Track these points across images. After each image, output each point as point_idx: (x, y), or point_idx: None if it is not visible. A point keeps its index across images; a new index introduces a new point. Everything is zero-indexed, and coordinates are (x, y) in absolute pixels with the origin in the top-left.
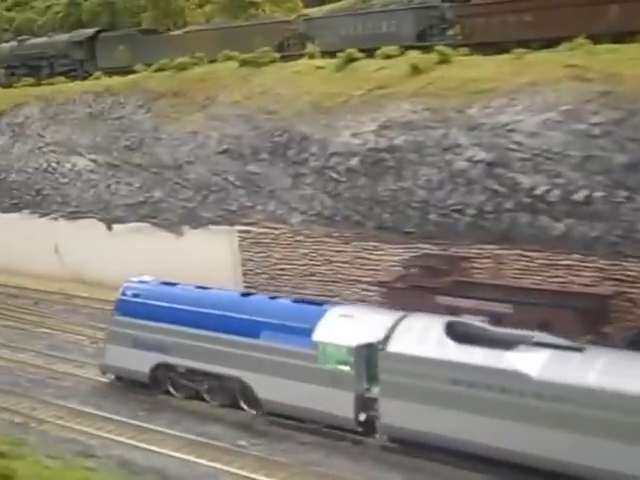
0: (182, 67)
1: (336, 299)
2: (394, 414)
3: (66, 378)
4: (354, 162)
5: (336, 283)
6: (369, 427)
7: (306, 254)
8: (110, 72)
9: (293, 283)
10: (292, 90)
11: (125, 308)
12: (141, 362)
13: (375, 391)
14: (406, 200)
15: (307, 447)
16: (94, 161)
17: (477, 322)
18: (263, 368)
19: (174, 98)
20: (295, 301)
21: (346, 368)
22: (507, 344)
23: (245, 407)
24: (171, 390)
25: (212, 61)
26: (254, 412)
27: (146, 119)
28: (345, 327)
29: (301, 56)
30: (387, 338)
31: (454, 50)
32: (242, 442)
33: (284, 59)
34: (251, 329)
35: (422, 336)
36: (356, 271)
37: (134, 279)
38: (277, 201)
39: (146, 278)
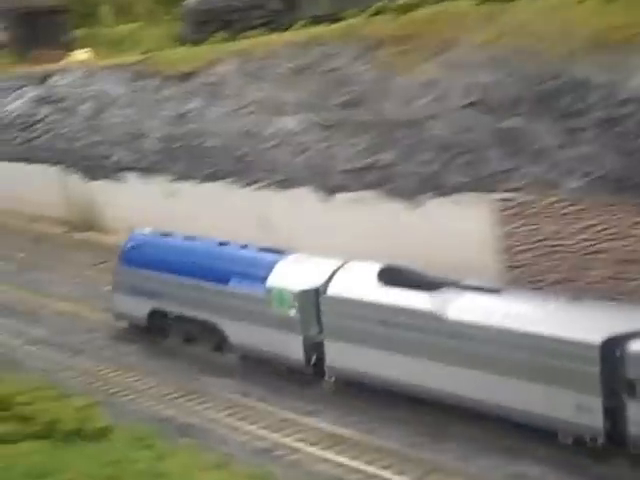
0: (406, 9)
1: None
2: (336, 356)
3: None
4: None
5: (631, 264)
6: (320, 369)
7: (587, 227)
8: (313, 22)
9: (570, 263)
10: (556, 26)
11: (126, 259)
12: (140, 308)
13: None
14: None
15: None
16: (304, 121)
17: (410, 267)
18: (231, 313)
19: (399, 45)
20: (261, 249)
21: (293, 312)
22: (432, 287)
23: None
24: (168, 334)
25: (439, 0)
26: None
27: (366, 70)
28: (294, 273)
29: None
30: (327, 283)
31: None
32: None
33: None
34: (222, 277)
35: (357, 280)
36: None
37: (137, 231)
38: (545, 162)
39: (147, 230)
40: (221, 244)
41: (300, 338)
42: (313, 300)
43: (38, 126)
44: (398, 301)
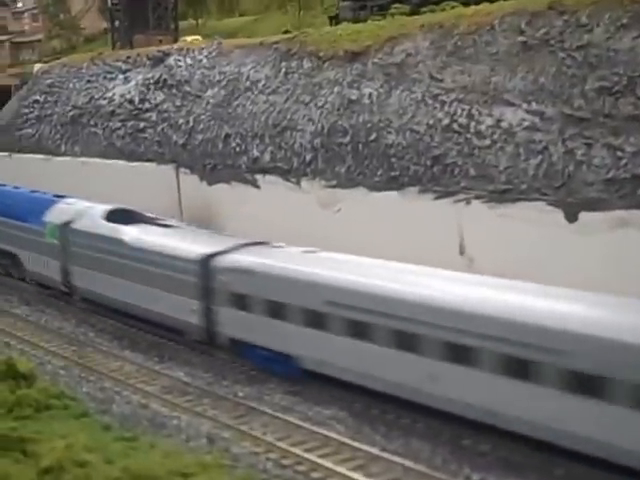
0: None
1: None
2: (78, 278)
3: None
4: None
5: None
6: (71, 289)
7: None
8: None
9: None
10: None
11: None
12: None
13: None
14: None
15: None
16: (537, 113)
17: (136, 209)
18: (25, 245)
19: None
20: (54, 196)
21: (55, 241)
22: (129, 222)
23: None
24: None
25: None
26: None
27: (637, 46)
28: (64, 212)
29: None
30: (76, 219)
31: None
32: None
33: None
34: (22, 216)
35: (93, 218)
36: None
37: None
38: None
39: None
40: (32, 192)
41: (59, 263)
42: (67, 232)
43: (149, 115)
44: (104, 231)
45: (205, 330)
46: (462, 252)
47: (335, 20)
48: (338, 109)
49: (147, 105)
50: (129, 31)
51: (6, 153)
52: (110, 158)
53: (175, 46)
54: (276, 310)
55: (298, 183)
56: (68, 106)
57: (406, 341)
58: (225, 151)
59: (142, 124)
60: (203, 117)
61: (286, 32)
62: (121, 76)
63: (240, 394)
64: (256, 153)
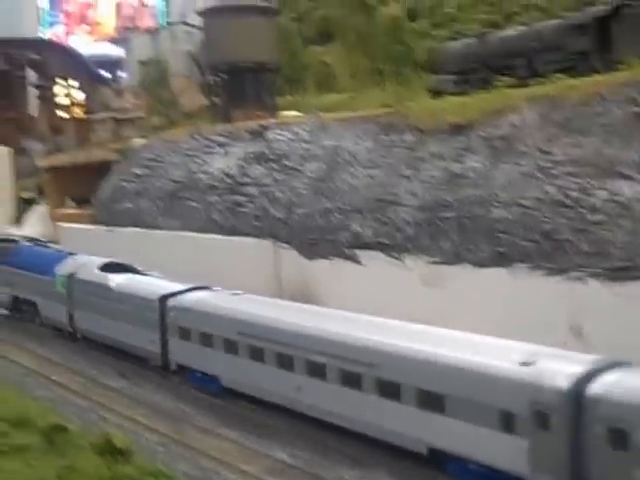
0: None
1: None
2: (79, 319)
3: None
4: None
5: None
6: (75, 329)
7: None
8: None
9: None
10: None
11: (6, 261)
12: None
13: None
14: None
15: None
16: None
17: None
18: (42, 294)
19: None
20: (67, 253)
21: (64, 290)
22: (118, 272)
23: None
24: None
25: None
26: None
27: None
28: (71, 266)
29: None
30: (79, 270)
31: None
32: None
33: None
34: (44, 271)
35: (91, 269)
36: None
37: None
38: None
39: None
40: (56, 251)
41: (65, 308)
42: (71, 281)
43: (248, 189)
44: (99, 279)
45: (161, 357)
46: (575, 331)
47: (436, 94)
48: (442, 183)
49: (246, 179)
50: (228, 107)
51: (107, 227)
52: (208, 232)
53: (274, 120)
54: (205, 339)
55: (400, 259)
56: (167, 180)
57: (283, 361)
58: (325, 226)
59: (241, 198)
60: (303, 191)
61: (386, 105)
62: (220, 150)
63: (346, 477)
64: (357, 228)
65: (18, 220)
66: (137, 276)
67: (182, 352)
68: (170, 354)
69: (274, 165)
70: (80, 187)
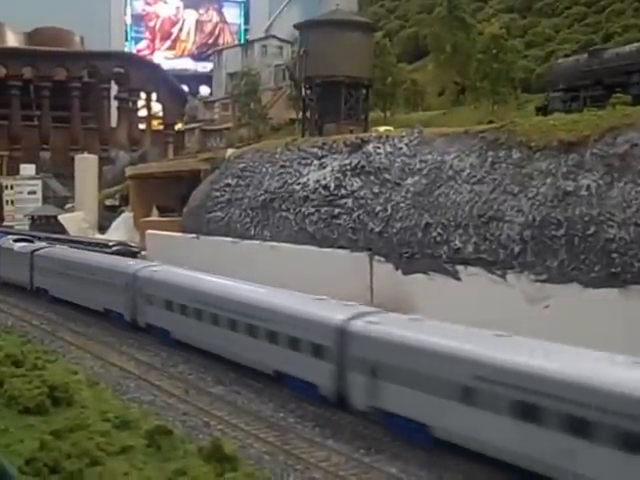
0: None
1: None
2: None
3: None
4: None
5: None
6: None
7: None
8: None
9: None
10: None
11: None
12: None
13: None
14: None
15: None
16: None
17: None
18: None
19: None
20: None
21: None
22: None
23: None
24: None
25: None
26: None
27: None
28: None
29: None
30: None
31: None
32: None
33: None
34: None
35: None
36: None
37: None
38: None
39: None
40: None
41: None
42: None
43: (344, 201)
44: (10, 246)
45: (130, 317)
46: None
47: (543, 111)
48: (551, 201)
49: (343, 191)
50: (320, 120)
51: (194, 235)
52: (301, 243)
53: (373, 134)
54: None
55: (503, 276)
56: (260, 190)
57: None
58: (424, 240)
59: (337, 210)
60: (402, 205)
61: (491, 122)
62: (316, 162)
63: None
64: (458, 243)
65: (101, 227)
66: (30, 243)
67: (149, 314)
68: (139, 316)
69: (372, 178)
70: (167, 195)
